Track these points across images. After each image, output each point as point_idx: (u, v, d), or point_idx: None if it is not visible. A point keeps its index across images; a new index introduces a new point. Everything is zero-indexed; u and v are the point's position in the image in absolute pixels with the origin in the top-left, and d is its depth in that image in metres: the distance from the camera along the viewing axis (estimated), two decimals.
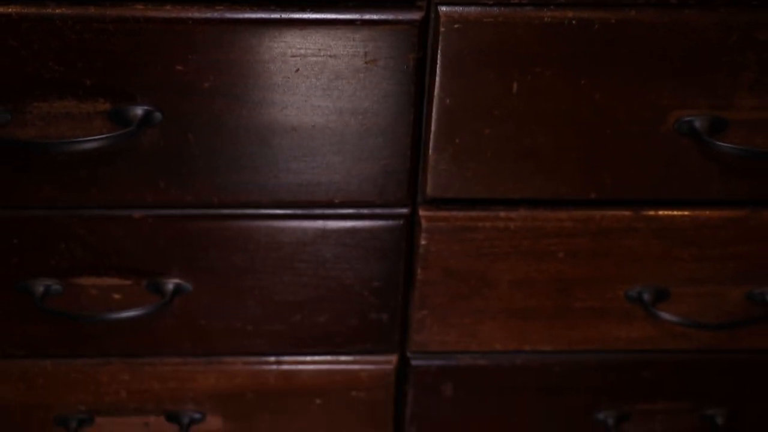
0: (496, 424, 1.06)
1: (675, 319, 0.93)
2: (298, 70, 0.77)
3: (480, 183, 0.86)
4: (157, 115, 0.79)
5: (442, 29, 0.76)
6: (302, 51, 0.76)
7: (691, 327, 0.95)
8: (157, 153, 0.82)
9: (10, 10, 0.73)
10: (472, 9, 0.75)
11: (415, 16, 0.75)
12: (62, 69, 0.76)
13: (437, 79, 0.79)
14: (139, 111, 0.79)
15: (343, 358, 1.00)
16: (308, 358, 1.00)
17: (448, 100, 0.80)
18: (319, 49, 0.76)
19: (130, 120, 0.79)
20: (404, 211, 0.88)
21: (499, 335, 0.97)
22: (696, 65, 0.78)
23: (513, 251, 0.90)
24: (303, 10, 0.75)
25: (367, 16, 0.75)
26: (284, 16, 0.75)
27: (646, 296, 0.93)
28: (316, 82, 0.78)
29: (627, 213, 0.88)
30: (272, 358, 1.00)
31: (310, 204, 0.87)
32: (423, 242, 0.89)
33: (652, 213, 0.89)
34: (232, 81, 0.78)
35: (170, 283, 0.91)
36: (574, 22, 0.76)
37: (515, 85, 0.79)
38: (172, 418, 1.03)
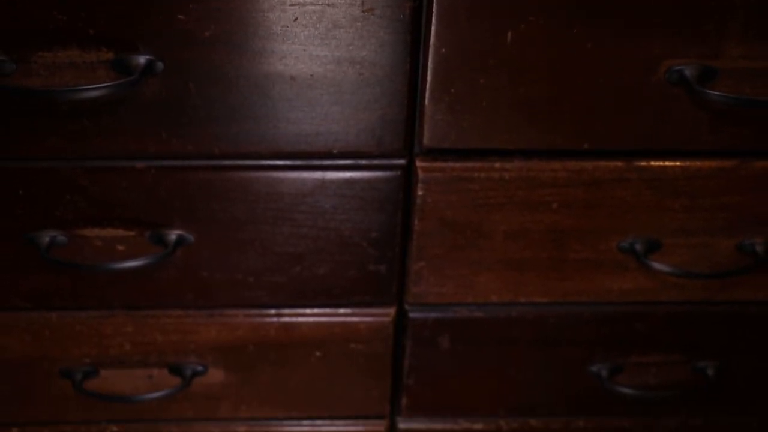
0: (493, 376, 1.08)
1: (666, 269, 0.95)
2: (296, 18, 0.79)
3: (476, 133, 0.87)
4: (159, 64, 0.81)
5: None
6: (301, 0, 0.78)
7: (682, 276, 0.97)
8: (159, 103, 0.84)
9: None
10: None
11: None
12: (66, 18, 0.78)
13: (433, 28, 0.80)
14: (141, 60, 0.80)
15: (342, 310, 1.02)
16: (308, 311, 1.02)
17: (443, 50, 0.82)
18: None
19: (133, 69, 0.80)
20: (401, 161, 0.90)
21: (494, 287, 0.99)
22: (685, 14, 0.80)
23: (508, 202, 0.92)
24: None
25: None
26: None
27: (638, 247, 0.95)
28: (314, 32, 0.80)
29: (619, 163, 0.90)
30: (273, 311, 1.02)
31: (309, 155, 0.89)
32: (420, 193, 0.91)
33: (643, 163, 0.90)
34: (232, 30, 0.79)
35: (173, 234, 0.93)
36: None
37: (509, 35, 0.81)
38: (175, 370, 1.05)
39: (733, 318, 1.04)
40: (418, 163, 0.90)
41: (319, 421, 1.14)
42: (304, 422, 1.13)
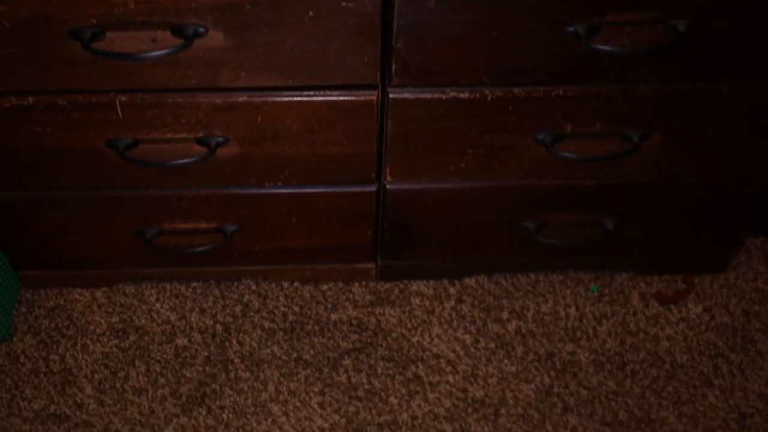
0: (477, 37, 1.14)
1: None
2: None
3: None
4: None
5: None
6: None
7: None
8: None
9: None
10: None
11: None
12: None
13: None
14: None
15: None
16: None
17: None
18: None
19: None
20: None
21: None
22: None
23: None
24: None
25: None
26: None
27: None
28: None
29: None
30: None
31: None
32: None
33: None
34: None
35: None
36: None
37: None
38: (177, 32, 1.11)
39: None
40: None
41: (313, 92, 1.21)
42: (300, 92, 1.21)
